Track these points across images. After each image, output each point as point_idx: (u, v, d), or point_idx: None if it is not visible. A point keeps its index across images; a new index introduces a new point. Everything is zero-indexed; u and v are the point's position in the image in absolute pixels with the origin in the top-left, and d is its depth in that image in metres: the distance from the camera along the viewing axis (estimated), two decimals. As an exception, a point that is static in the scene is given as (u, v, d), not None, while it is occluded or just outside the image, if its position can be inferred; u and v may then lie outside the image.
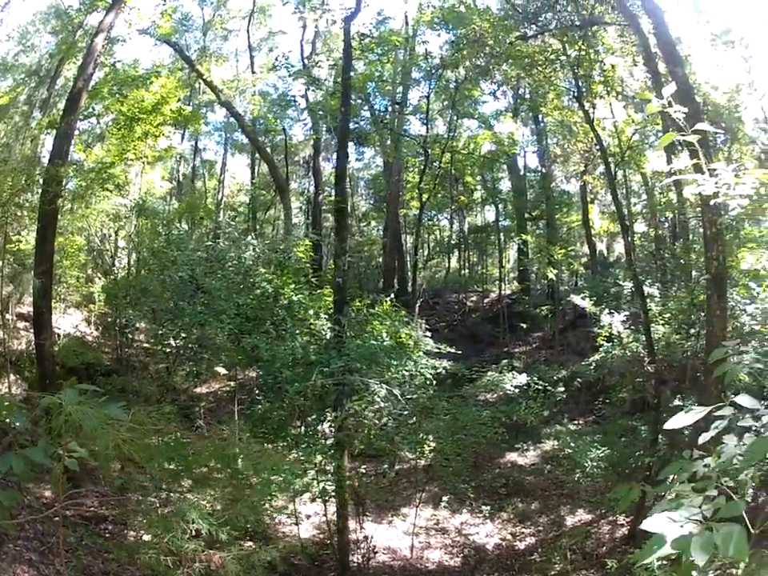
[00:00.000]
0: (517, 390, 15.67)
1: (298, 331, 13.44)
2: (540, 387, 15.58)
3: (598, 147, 19.26)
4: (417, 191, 27.92)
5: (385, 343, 13.79)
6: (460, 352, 18.27)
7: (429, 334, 16.59)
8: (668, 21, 14.23)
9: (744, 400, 3.11)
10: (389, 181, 29.92)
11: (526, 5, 18.44)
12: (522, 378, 15.54)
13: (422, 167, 27.63)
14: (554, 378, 19.96)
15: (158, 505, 7.52)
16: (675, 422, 3.12)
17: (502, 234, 33.47)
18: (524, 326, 26.65)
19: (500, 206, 33.99)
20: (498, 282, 33.36)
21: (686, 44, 22.69)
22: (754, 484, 3.06)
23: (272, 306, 13.95)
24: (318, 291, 15.47)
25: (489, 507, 15.08)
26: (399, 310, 15.90)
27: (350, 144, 30.05)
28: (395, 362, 13.07)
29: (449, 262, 37.39)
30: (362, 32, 21.47)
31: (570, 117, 23.54)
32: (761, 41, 22.82)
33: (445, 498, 15.25)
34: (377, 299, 16.66)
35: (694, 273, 16.10)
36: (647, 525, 2.54)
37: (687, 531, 2.43)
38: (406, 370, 13.13)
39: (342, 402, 11.95)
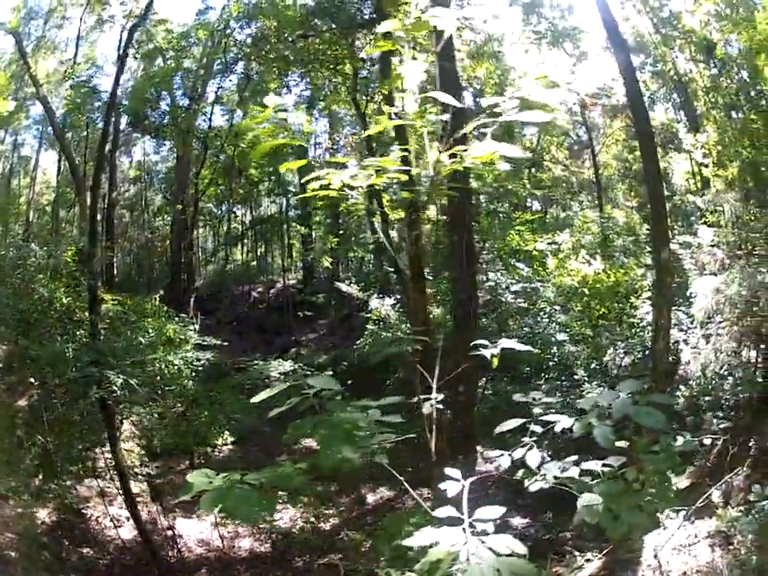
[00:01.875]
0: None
1: (73, 331, 13.69)
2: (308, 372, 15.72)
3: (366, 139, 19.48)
4: (194, 184, 27.46)
5: (150, 338, 14.31)
6: (227, 343, 18.88)
7: (194, 328, 17.03)
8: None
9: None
10: (177, 174, 28.71)
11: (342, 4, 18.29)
12: (287, 365, 15.50)
13: (202, 160, 27.26)
14: (316, 362, 20.09)
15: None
16: (259, 397, 3.13)
17: (286, 225, 33.26)
18: (308, 314, 26.54)
19: (289, 197, 33.45)
20: (284, 272, 33.15)
21: (509, 42, 23.65)
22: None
23: (47, 309, 14.03)
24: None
25: (286, 492, 14.37)
26: (163, 306, 16.55)
27: (148, 137, 29.41)
28: (153, 355, 13.42)
29: (227, 255, 36.63)
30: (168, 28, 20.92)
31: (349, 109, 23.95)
32: (591, 40, 23.96)
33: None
34: (147, 297, 16.49)
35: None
36: (189, 478, 2.51)
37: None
38: (172, 363, 13.63)
39: (87, 393, 11.86)
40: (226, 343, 17.86)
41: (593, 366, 13.00)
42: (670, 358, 10.84)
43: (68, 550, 10.43)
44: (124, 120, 27.92)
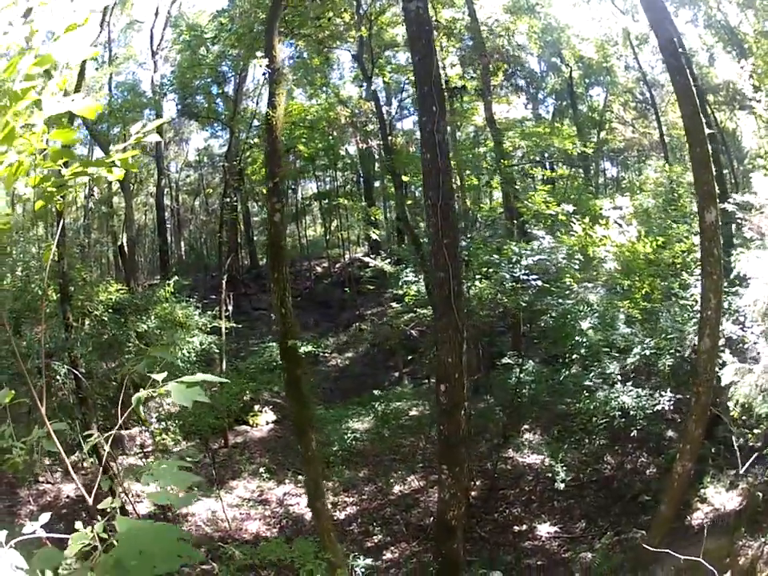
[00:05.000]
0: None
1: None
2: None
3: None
4: (243, 164, 25.94)
5: (152, 324, 14.52)
6: (240, 326, 19.20)
7: (198, 312, 16.29)
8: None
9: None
10: (228, 155, 27.03)
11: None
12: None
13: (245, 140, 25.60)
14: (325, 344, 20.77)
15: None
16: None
17: (350, 198, 31.06)
18: (370, 288, 24.29)
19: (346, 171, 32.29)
20: (352, 245, 32.11)
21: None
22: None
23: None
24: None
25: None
26: (175, 292, 15.94)
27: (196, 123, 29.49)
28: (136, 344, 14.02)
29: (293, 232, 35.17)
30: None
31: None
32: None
33: (262, 469, 14.69)
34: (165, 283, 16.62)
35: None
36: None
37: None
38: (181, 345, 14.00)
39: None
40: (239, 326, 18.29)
41: (629, 359, 10.37)
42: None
43: (84, 522, 10.99)
44: (173, 108, 27.21)
